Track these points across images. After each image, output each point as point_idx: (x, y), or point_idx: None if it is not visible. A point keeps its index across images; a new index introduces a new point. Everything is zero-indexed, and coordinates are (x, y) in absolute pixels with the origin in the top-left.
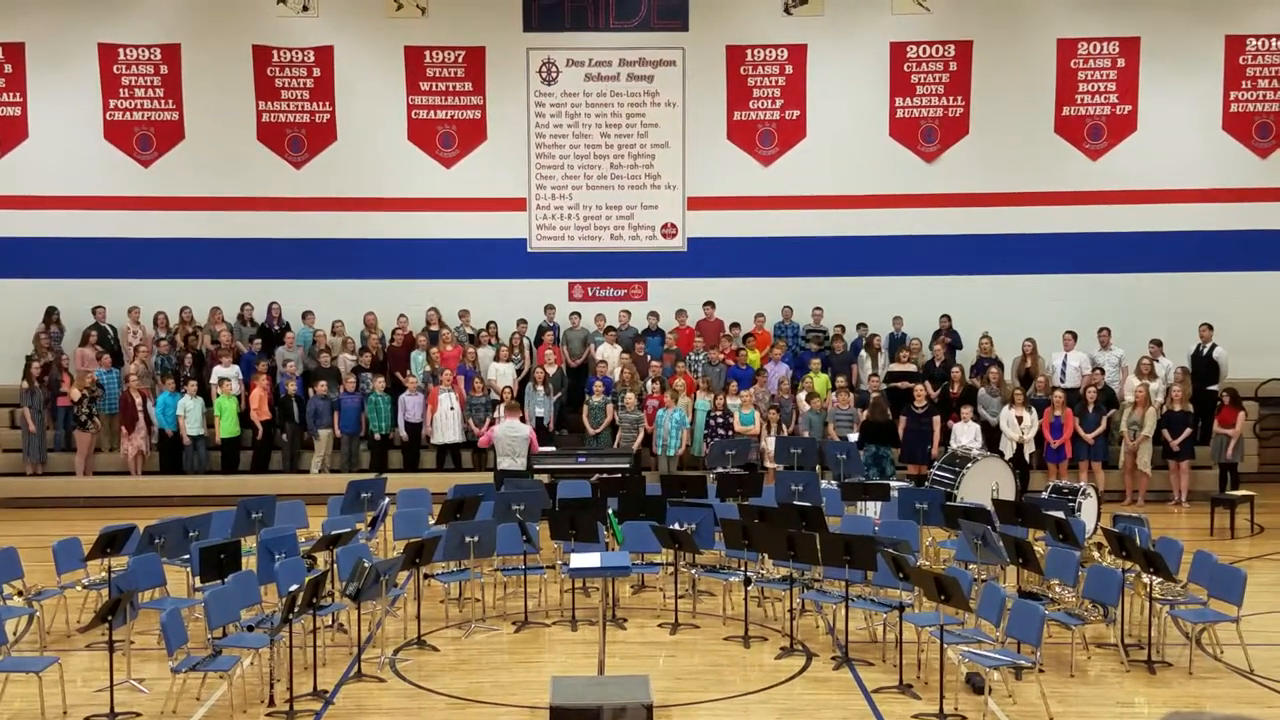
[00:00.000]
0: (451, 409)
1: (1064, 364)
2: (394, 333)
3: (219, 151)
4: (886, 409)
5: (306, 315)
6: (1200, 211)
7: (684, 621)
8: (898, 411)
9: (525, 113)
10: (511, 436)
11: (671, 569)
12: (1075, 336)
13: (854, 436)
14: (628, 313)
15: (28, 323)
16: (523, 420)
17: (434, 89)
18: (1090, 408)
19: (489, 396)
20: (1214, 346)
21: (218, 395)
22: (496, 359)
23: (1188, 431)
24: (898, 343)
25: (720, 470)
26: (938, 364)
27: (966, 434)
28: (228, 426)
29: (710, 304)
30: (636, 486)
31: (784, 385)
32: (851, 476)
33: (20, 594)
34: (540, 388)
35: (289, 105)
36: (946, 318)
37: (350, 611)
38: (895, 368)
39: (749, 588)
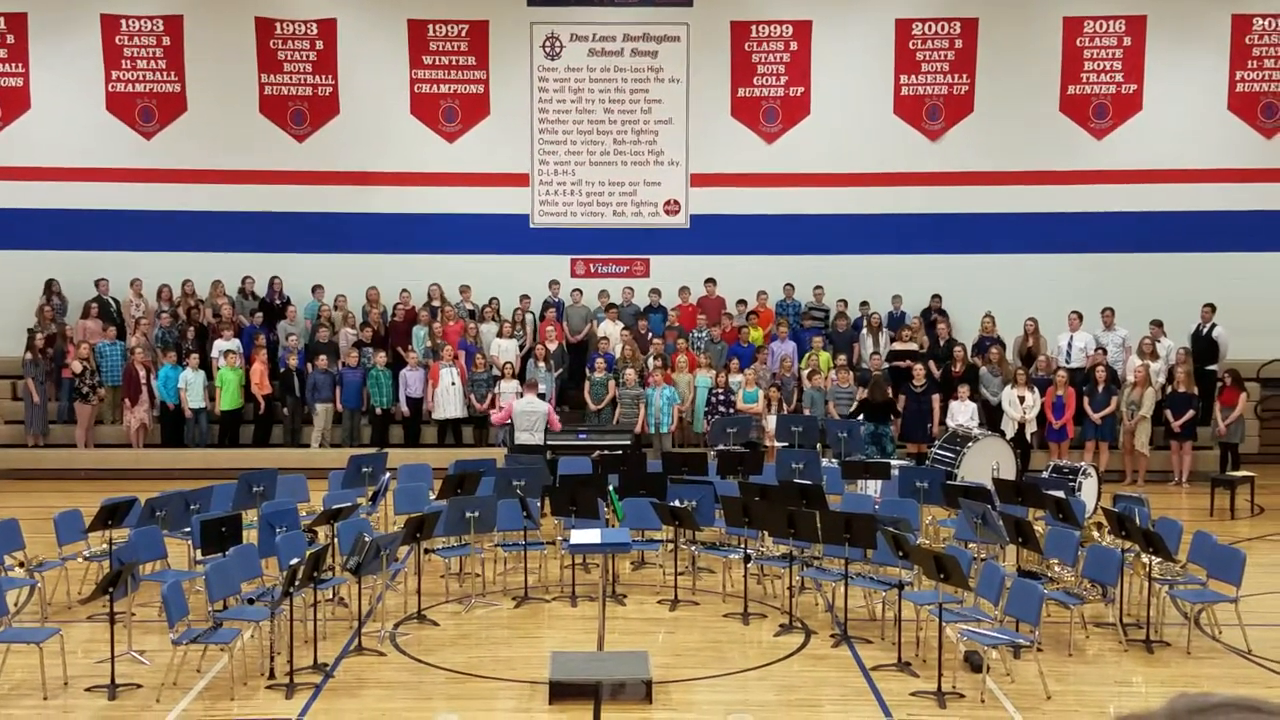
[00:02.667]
0: (453, 384)
1: (1069, 344)
2: (396, 307)
3: (221, 124)
4: (887, 388)
5: (316, 289)
6: (1205, 191)
7: (683, 598)
8: (898, 390)
9: (529, 87)
10: (529, 412)
11: (671, 546)
12: (1081, 317)
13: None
14: (631, 289)
15: (29, 294)
16: (541, 397)
17: (437, 63)
18: (1100, 387)
19: (490, 372)
20: (1214, 326)
21: (220, 368)
22: (499, 335)
23: (1191, 413)
24: (896, 321)
25: (721, 448)
26: (941, 343)
27: (964, 413)
28: (230, 398)
29: (712, 281)
30: (637, 463)
31: (786, 363)
32: (852, 455)
33: (22, 565)
34: (541, 364)
35: (291, 78)
36: (937, 297)
37: (351, 585)
38: (898, 346)
39: (749, 565)
